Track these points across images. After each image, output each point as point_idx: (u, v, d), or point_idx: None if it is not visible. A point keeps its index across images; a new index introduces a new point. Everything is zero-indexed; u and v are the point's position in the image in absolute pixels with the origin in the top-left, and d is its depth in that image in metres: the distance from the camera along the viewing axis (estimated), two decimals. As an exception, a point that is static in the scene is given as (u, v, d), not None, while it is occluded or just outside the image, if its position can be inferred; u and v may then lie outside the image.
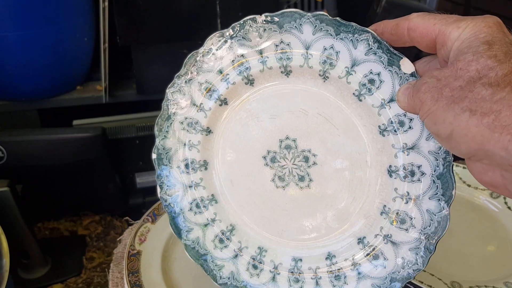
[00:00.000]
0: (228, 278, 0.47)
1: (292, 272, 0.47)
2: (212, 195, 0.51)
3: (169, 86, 0.50)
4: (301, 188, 0.47)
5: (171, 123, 0.51)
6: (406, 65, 0.38)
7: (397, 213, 0.42)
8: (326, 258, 0.46)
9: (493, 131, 0.27)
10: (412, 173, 0.41)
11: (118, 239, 0.68)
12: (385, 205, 0.43)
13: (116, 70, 1.42)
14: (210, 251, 0.49)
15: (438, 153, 0.39)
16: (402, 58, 0.39)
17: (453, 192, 0.39)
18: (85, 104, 1.40)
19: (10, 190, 1.12)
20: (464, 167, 0.71)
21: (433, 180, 0.40)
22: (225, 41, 0.45)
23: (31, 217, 1.31)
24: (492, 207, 0.67)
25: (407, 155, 0.40)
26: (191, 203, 0.51)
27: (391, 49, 0.39)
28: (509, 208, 0.67)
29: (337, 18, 0.41)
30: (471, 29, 0.31)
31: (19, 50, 1.20)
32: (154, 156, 0.51)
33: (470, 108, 0.28)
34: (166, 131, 0.51)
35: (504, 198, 0.67)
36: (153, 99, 1.47)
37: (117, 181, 1.34)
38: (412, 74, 0.39)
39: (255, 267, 0.47)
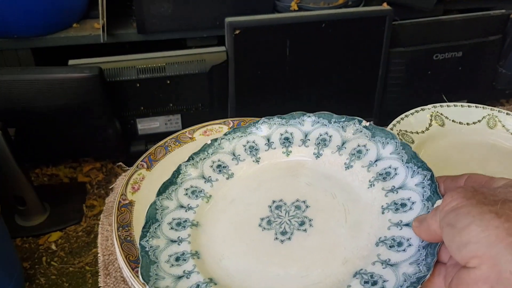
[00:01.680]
0: None
1: None
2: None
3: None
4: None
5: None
6: None
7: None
8: None
9: (510, 235, 0.29)
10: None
11: (110, 187, 0.61)
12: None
13: (115, 6, 1.31)
14: None
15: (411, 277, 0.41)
16: (441, 199, 0.42)
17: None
18: (82, 44, 1.30)
19: (1, 132, 1.05)
20: (507, 113, 0.63)
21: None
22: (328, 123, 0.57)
23: (26, 162, 1.25)
24: None
25: (383, 268, 0.43)
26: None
27: (437, 190, 0.44)
28: None
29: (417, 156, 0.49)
30: None
31: (7, -20, 1.10)
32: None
33: (497, 212, 0.30)
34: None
35: None
36: (155, 39, 1.36)
37: (117, 126, 1.26)
38: None
39: None
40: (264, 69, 1.34)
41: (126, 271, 0.47)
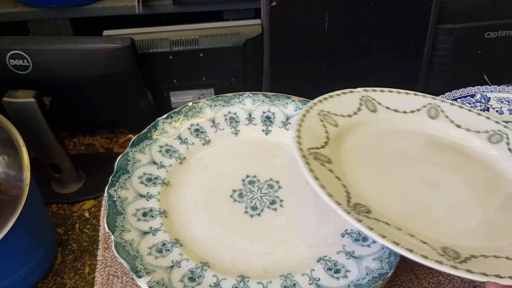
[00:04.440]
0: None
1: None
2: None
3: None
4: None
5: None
6: None
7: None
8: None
9: None
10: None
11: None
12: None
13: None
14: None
15: None
16: None
17: None
18: (118, 15, 1.30)
19: (36, 101, 1.07)
20: (452, 104, 0.55)
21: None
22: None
23: (62, 131, 1.28)
24: (490, 152, 0.53)
25: (347, 258, 0.43)
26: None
27: None
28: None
29: None
30: None
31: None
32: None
33: None
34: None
35: (507, 140, 0.53)
36: (191, 11, 1.34)
37: (149, 99, 1.26)
38: None
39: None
40: (301, 44, 1.30)
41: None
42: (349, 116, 0.54)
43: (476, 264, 0.37)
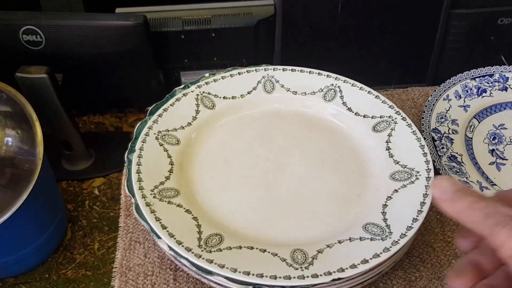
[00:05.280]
0: None
1: None
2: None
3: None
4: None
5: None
6: None
7: None
8: None
9: None
10: None
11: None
12: None
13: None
14: None
15: None
16: None
17: None
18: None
19: (48, 77, 1.07)
20: (284, 69, 0.53)
21: None
22: None
23: (73, 109, 1.28)
24: (329, 112, 0.52)
25: None
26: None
27: None
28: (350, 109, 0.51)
29: None
30: None
31: None
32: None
33: None
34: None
35: (341, 94, 0.52)
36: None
37: (160, 78, 1.26)
38: None
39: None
40: (313, 26, 1.29)
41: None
42: (190, 124, 0.50)
43: (323, 260, 0.37)
